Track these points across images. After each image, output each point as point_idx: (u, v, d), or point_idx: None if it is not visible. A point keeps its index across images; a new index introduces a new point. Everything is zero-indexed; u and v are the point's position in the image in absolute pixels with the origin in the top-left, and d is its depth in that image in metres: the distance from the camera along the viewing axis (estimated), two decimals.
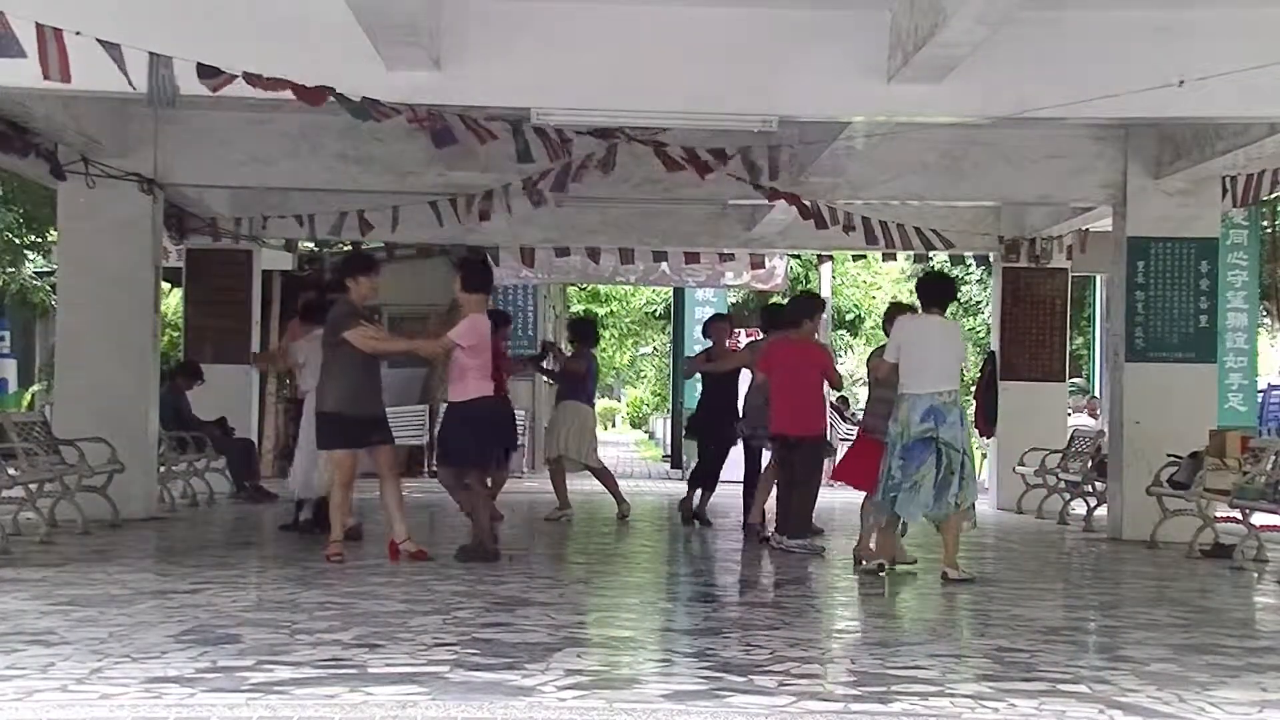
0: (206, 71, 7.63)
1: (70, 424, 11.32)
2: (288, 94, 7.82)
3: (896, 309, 10.35)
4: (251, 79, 7.73)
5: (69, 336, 12.09)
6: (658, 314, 31.87)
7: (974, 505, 9.15)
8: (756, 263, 17.53)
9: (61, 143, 11.02)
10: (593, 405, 13.15)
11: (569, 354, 13.18)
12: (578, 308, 31.59)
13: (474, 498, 9.38)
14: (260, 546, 10.91)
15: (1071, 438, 14.80)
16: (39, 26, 7.17)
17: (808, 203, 11.11)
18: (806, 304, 11.10)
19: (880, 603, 8.31)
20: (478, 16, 8.40)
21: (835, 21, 8.51)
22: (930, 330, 9.08)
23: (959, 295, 9.55)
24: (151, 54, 7.41)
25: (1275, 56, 7.99)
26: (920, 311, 9.28)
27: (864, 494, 9.64)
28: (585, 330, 13.35)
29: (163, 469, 12.47)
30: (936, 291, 9.32)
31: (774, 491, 11.11)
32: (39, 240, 21.14)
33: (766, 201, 11.36)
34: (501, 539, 9.84)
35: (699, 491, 12.43)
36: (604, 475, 12.88)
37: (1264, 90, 8.18)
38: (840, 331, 29.64)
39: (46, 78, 7.27)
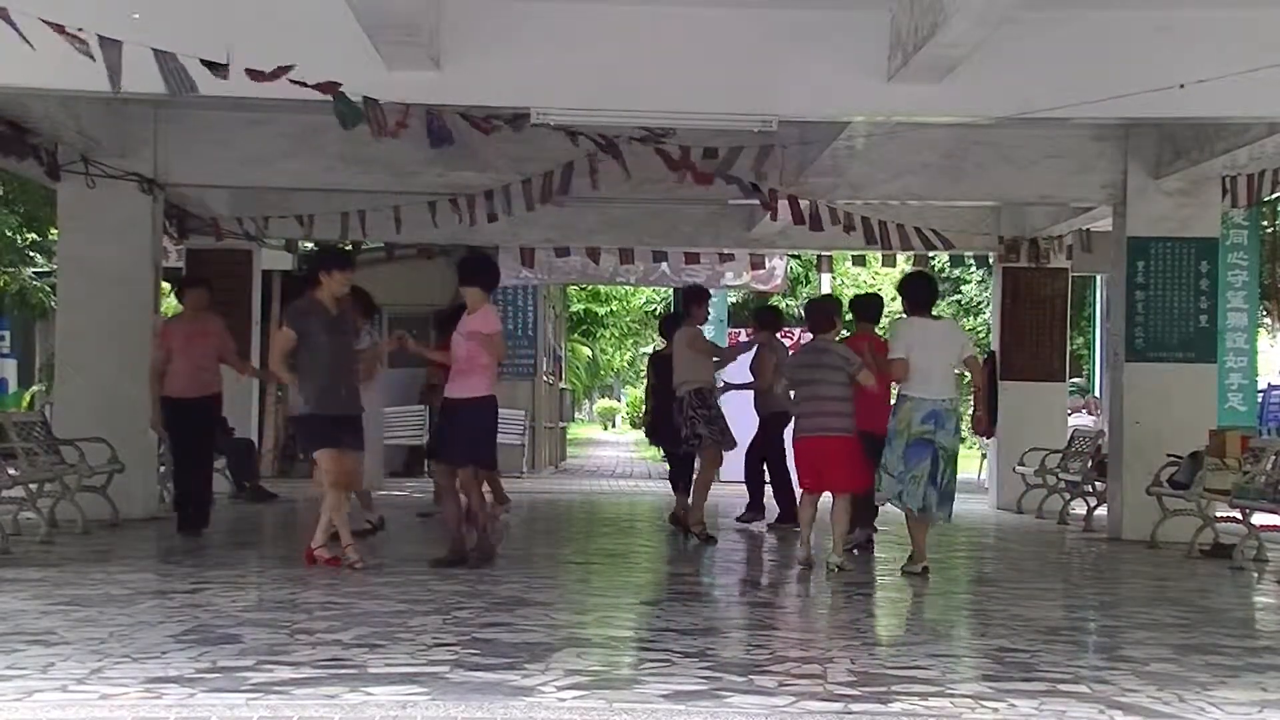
0: (209, 69, 7.61)
1: (70, 424, 11.33)
2: (293, 90, 7.79)
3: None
4: (255, 74, 7.72)
5: (69, 336, 12.09)
6: (658, 314, 31.89)
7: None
8: (756, 263, 17.53)
9: (61, 143, 11.02)
10: None
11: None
12: (578, 307, 31.60)
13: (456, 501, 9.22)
14: (260, 546, 10.91)
15: (1071, 438, 14.79)
16: (41, 24, 7.16)
17: (804, 202, 11.11)
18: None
19: (879, 603, 8.31)
20: (478, 16, 8.40)
21: (835, 21, 8.51)
22: (932, 333, 9.13)
23: (939, 292, 9.57)
24: (155, 50, 7.39)
25: (1276, 57, 7.99)
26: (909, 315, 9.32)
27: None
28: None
29: (163, 469, 12.46)
30: (918, 292, 9.37)
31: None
32: (39, 240, 21.16)
33: (763, 208, 11.38)
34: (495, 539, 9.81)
35: None
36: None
37: (1264, 90, 8.17)
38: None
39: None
